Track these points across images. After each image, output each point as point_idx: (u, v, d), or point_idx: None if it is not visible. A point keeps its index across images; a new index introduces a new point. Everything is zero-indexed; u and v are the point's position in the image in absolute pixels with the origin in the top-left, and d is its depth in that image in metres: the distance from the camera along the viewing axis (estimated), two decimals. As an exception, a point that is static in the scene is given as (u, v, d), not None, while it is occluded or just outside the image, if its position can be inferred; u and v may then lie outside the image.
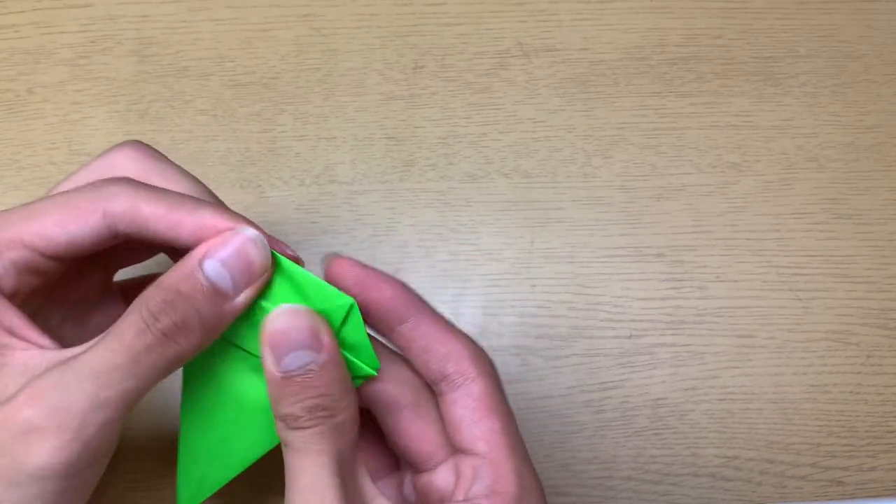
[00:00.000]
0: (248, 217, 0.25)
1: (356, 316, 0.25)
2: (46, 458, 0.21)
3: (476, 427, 0.25)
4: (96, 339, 0.23)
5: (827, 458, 0.35)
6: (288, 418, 0.24)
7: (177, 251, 0.25)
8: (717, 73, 0.39)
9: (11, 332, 0.24)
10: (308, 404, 0.23)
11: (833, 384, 0.36)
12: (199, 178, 0.36)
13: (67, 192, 0.25)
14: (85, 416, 0.22)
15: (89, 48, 0.38)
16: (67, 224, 0.24)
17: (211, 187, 0.36)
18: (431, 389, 0.27)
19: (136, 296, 0.29)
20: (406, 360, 0.27)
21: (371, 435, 0.29)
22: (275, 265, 0.24)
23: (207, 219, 0.24)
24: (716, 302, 0.36)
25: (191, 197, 0.25)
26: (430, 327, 0.26)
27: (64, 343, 0.25)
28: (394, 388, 0.26)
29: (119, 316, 0.29)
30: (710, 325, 0.36)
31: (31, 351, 0.24)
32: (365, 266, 0.26)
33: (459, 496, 0.25)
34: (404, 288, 0.26)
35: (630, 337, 0.36)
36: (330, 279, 0.26)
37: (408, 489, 0.28)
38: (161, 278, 0.24)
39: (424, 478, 0.27)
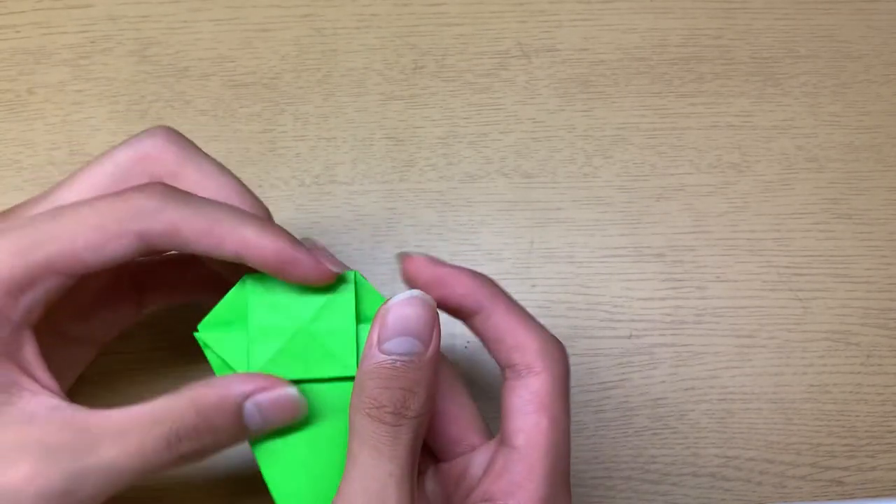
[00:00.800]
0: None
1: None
2: None
3: (522, 419, 0.25)
4: (114, 417, 0.23)
5: (827, 458, 0.35)
6: (372, 403, 0.23)
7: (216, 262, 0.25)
8: (717, 74, 0.39)
9: (25, 370, 0.23)
10: (398, 395, 0.23)
11: (833, 384, 0.36)
12: (200, 178, 0.37)
13: (96, 205, 0.23)
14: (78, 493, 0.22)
15: (90, 48, 0.38)
16: (101, 248, 0.23)
17: (211, 187, 0.36)
18: (463, 380, 0.27)
19: (147, 282, 0.29)
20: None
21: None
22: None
23: (250, 237, 0.24)
24: (716, 302, 0.36)
25: (231, 208, 0.24)
26: (503, 318, 0.25)
27: (66, 338, 0.25)
28: None
29: (126, 313, 0.30)
30: (709, 325, 0.36)
31: (40, 398, 0.23)
32: (437, 263, 0.26)
33: (485, 485, 0.24)
34: (479, 281, 0.26)
35: (630, 337, 0.36)
36: (405, 278, 0.26)
37: (430, 486, 0.28)
38: (200, 398, 0.23)
39: (451, 466, 0.27)
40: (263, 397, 0.24)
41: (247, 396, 0.24)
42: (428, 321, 0.23)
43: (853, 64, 0.40)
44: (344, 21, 0.39)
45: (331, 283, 0.25)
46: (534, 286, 0.36)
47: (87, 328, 0.29)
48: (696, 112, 0.39)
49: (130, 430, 0.22)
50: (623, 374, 0.35)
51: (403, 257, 0.27)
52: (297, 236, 0.25)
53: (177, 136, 0.26)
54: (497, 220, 0.37)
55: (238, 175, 0.27)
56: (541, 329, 0.26)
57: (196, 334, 0.26)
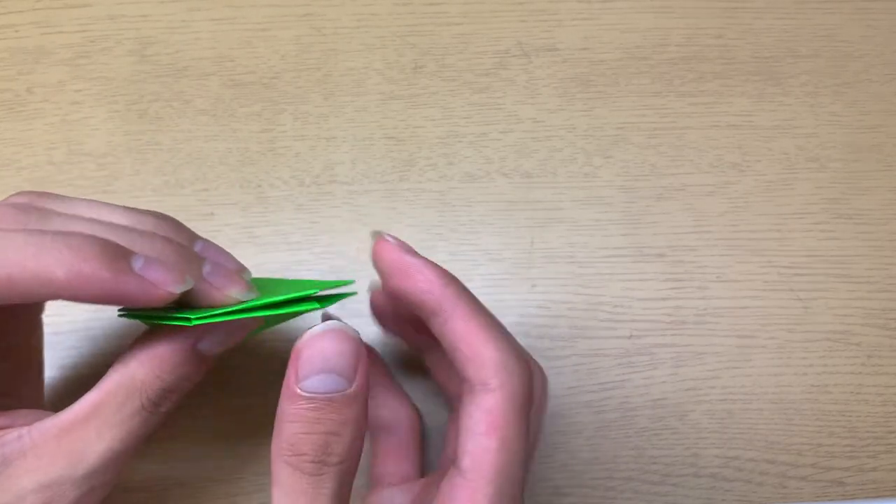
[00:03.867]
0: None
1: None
2: None
3: (472, 440, 0.22)
4: (96, 418, 0.23)
5: (827, 459, 0.35)
6: (291, 450, 0.21)
7: None
8: (718, 73, 0.39)
9: None
10: (319, 441, 0.21)
11: (834, 384, 0.35)
12: (199, 178, 0.36)
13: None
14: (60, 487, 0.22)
15: (89, 48, 0.38)
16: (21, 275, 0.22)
17: (211, 187, 0.36)
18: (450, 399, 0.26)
19: None
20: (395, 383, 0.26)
21: (388, 441, 0.28)
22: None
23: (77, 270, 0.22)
24: (716, 302, 0.36)
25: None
26: (461, 324, 0.23)
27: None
28: (384, 416, 0.26)
29: (36, 340, 0.28)
30: (710, 325, 0.36)
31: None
32: (406, 251, 0.24)
33: None
34: (444, 280, 0.24)
35: (630, 337, 0.36)
36: (372, 257, 0.25)
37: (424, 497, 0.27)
38: (153, 353, 0.23)
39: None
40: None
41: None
42: (350, 354, 0.21)
43: (854, 63, 0.40)
44: (344, 21, 0.39)
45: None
46: (534, 286, 0.36)
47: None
48: (697, 112, 0.39)
49: (88, 405, 0.23)
50: (623, 374, 0.35)
51: (377, 237, 0.25)
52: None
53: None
54: (497, 220, 0.37)
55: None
56: (503, 340, 0.23)
57: (119, 314, 0.26)
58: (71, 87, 0.38)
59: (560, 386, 0.35)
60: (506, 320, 0.35)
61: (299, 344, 0.21)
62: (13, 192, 0.36)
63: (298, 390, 0.20)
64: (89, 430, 0.22)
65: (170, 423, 0.33)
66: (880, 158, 0.38)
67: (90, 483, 0.22)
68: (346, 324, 0.22)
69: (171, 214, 0.36)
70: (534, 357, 0.35)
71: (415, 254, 0.25)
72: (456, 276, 0.25)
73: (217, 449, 0.33)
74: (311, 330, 0.21)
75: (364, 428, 0.22)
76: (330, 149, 0.37)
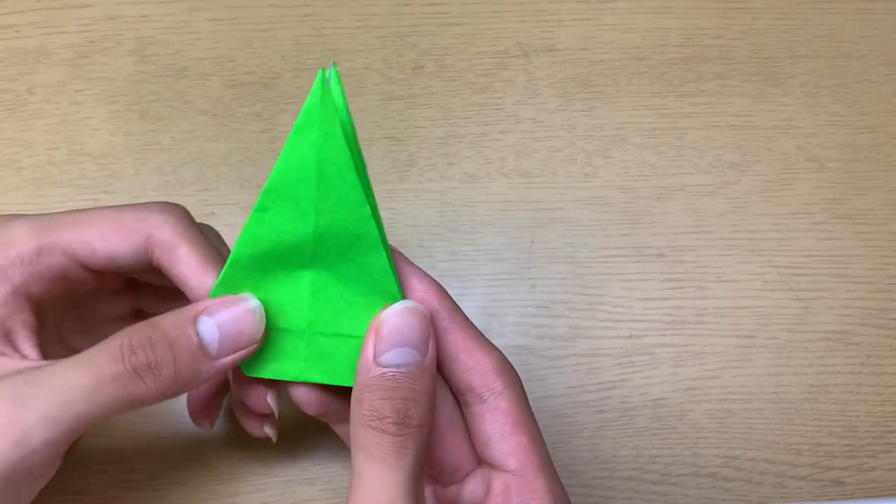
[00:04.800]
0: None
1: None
2: None
3: (505, 443, 0.24)
4: (73, 357, 0.23)
5: (827, 458, 0.35)
6: (374, 415, 0.22)
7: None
8: (717, 73, 0.39)
9: (5, 335, 0.24)
10: (398, 405, 0.22)
11: (833, 384, 0.36)
12: (200, 178, 0.37)
13: (118, 206, 0.26)
14: (29, 430, 0.22)
15: (89, 48, 0.38)
16: (110, 237, 0.25)
17: (211, 187, 0.36)
18: (457, 399, 0.27)
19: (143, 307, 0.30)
20: (439, 374, 0.26)
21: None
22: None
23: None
24: (716, 302, 0.36)
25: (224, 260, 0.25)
26: (459, 336, 0.25)
27: (71, 350, 0.25)
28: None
29: (119, 329, 0.30)
30: (710, 325, 0.36)
31: (11, 358, 0.24)
32: (405, 262, 0.25)
33: None
34: (439, 292, 0.25)
35: (630, 337, 0.36)
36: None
37: (430, 502, 0.28)
38: (155, 318, 0.24)
39: (451, 490, 0.26)
40: (219, 310, 0.24)
41: (201, 310, 0.24)
42: (422, 330, 0.23)
43: (853, 64, 0.40)
44: (344, 21, 0.39)
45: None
46: (534, 286, 0.36)
47: (89, 342, 0.29)
48: (697, 112, 0.39)
49: (86, 353, 0.23)
50: (623, 374, 0.35)
51: None
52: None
53: (182, 218, 0.27)
54: (497, 220, 0.37)
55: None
56: (492, 347, 0.25)
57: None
58: (71, 87, 0.38)
59: (560, 386, 0.35)
60: (506, 320, 0.35)
61: (375, 321, 0.23)
62: (13, 192, 0.36)
63: (377, 363, 0.23)
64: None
65: (169, 422, 0.33)
66: (880, 158, 0.38)
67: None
68: (417, 303, 0.24)
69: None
70: (534, 356, 0.35)
71: (413, 266, 0.26)
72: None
73: (217, 449, 0.33)
74: (386, 309, 0.23)
75: (435, 397, 0.24)
76: (330, 149, 0.37)
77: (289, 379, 0.25)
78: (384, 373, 0.23)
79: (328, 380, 0.25)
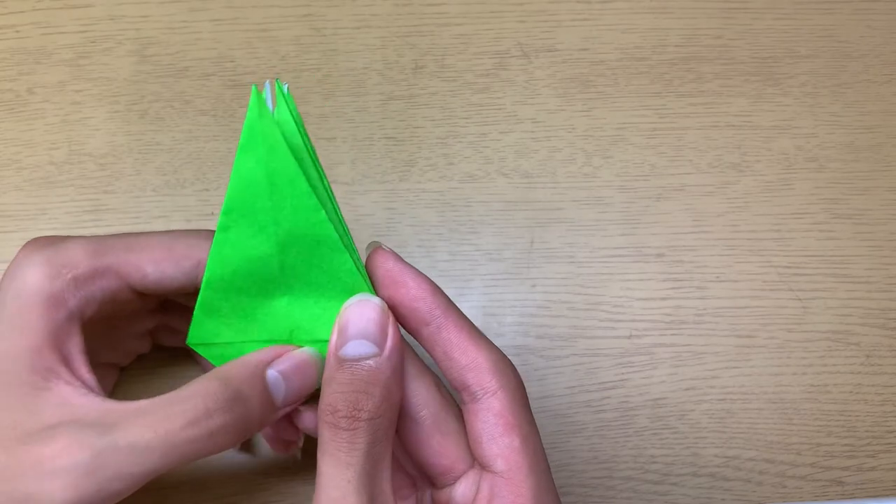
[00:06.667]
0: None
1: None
2: (57, 501, 0.22)
3: (495, 443, 0.24)
4: (143, 403, 0.23)
5: (827, 458, 0.35)
6: (328, 409, 0.23)
7: None
8: (717, 73, 0.39)
9: (66, 362, 0.24)
10: (350, 398, 0.23)
11: (833, 384, 0.36)
12: (200, 178, 0.37)
13: (168, 231, 0.27)
14: (103, 485, 0.22)
15: (90, 48, 0.38)
16: (162, 262, 0.26)
17: (211, 187, 0.37)
18: (454, 400, 0.27)
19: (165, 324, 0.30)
20: (430, 373, 0.26)
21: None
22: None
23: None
24: (716, 302, 0.36)
25: None
26: (453, 333, 0.25)
27: (91, 356, 0.25)
28: (416, 404, 0.26)
29: (143, 344, 0.32)
30: (710, 325, 0.36)
31: (75, 388, 0.24)
32: (399, 261, 0.25)
33: None
34: (433, 289, 0.25)
35: (630, 337, 0.36)
36: (367, 267, 0.26)
37: None
38: (223, 372, 0.24)
39: (445, 493, 0.26)
40: (283, 361, 0.25)
41: (267, 363, 0.25)
42: (377, 321, 0.24)
43: (853, 64, 0.40)
44: (344, 21, 0.39)
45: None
46: (534, 286, 0.36)
47: (115, 356, 0.31)
48: (696, 112, 0.39)
49: (158, 409, 0.23)
50: (623, 374, 0.35)
51: (374, 248, 0.26)
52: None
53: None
54: (497, 220, 0.37)
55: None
56: (491, 345, 0.25)
57: (188, 342, 0.26)
58: (72, 87, 0.38)
59: (560, 386, 0.35)
60: (506, 320, 0.35)
61: (338, 316, 0.24)
62: (14, 192, 0.36)
63: (337, 357, 0.23)
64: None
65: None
66: (879, 158, 0.38)
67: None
68: (373, 296, 0.24)
69: (172, 214, 0.36)
70: (534, 356, 0.35)
71: (406, 264, 0.26)
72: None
73: (217, 448, 0.33)
74: (346, 301, 0.24)
75: (397, 392, 0.24)
76: (330, 149, 0.37)
77: None
78: (342, 367, 0.23)
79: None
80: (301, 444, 0.31)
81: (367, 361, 0.23)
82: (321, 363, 0.25)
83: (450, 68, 0.39)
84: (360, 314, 0.24)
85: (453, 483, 0.26)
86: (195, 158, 0.37)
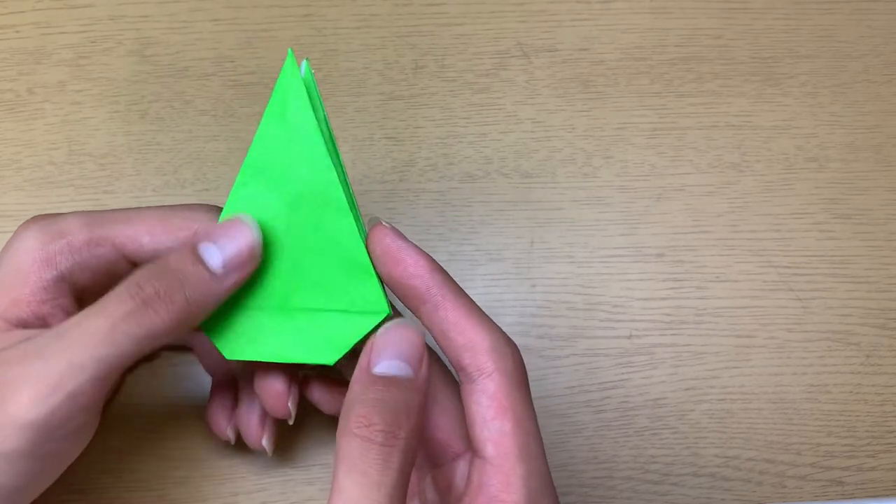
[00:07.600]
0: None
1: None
2: (23, 412, 0.22)
3: (486, 428, 0.23)
4: (88, 307, 0.24)
5: (827, 458, 0.35)
6: (361, 422, 0.21)
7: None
8: (717, 74, 0.39)
9: (42, 319, 0.25)
10: (388, 415, 0.22)
11: (833, 384, 0.36)
12: (200, 178, 0.37)
13: (165, 205, 0.27)
14: (55, 383, 0.22)
15: (90, 48, 0.38)
16: (158, 234, 0.26)
17: (211, 187, 0.37)
18: (453, 377, 0.27)
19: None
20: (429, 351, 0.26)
21: None
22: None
23: None
24: (716, 302, 0.36)
25: None
26: (451, 312, 0.24)
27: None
28: None
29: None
30: (709, 325, 0.36)
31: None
32: (399, 238, 0.25)
33: (468, 501, 0.23)
34: (431, 267, 0.25)
35: (630, 337, 0.36)
36: (366, 243, 0.25)
37: (430, 494, 0.27)
38: (159, 257, 0.25)
39: (443, 473, 0.26)
40: (214, 229, 0.24)
41: (199, 238, 0.24)
42: (417, 347, 0.23)
43: (853, 64, 0.40)
44: (344, 21, 0.39)
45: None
46: (534, 286, 0.36)
47: None
48: (696, 112, 0.39)
49: (99, 301, 0.23)
50: (623, 374, 0.35)
51: (373, 223, 0.26)
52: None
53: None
54: (497, 220, 0.37)
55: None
56: (490, 325, 0.24)
57: None
58: (72, 87, 0.38)
59: (560, 386, 0.35)
60: (506, 320, 0.35)
61: (373, 337, 0.24)
62: (14, 192, 0.36)
63: (372, 373, 0.23)
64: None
65: (170, 421, 0.33)
66: (879, 158, 0.38)
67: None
68: (416, 323, 0.24)
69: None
70: (534, 356, 0.35)
71: (406, 240, 0.25)
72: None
73: (217, 449, 0.33)
74: (386, 325, 0.24)
75: (425, 417, 0.24)
76: (330, 149, 0.37)
77: (269, 360, 0.26)
78: (377, 382, 0.22)
79: (307, 359, 0.26)
80: (275, 440, 0.30)
81: (402, 382, 0.23)
82: (259, 234, 0.25)
83: (450, 68, 0.39)
84: (399, 335, 0.23)
85: (451, 462, 0.26)
86: (195, 158, 0.37)
